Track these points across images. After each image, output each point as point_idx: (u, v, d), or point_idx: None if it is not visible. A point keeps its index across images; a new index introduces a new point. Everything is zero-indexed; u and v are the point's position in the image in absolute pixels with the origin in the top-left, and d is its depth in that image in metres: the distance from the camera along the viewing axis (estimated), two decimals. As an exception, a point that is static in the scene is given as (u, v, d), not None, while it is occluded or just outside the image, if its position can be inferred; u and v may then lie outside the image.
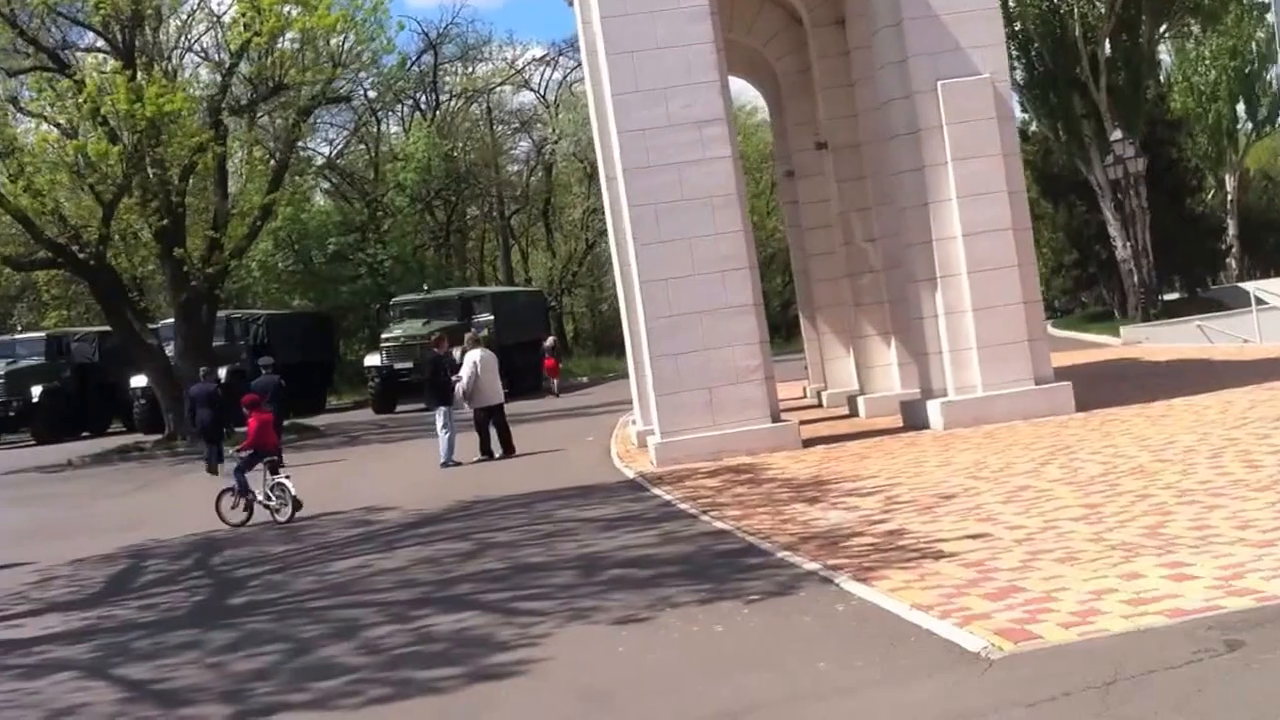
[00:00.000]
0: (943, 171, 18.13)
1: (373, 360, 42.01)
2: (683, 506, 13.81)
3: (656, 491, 15.36)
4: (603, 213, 56.23)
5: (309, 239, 47.15)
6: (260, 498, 17.14)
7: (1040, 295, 18.88)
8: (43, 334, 44.27)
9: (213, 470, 24.06)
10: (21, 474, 30.74)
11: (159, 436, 34.12)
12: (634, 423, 22.89)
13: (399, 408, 41.77)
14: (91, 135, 31.45)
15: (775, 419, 18.15)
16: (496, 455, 21.87)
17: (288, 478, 17.33)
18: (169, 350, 34.46)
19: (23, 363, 42.48)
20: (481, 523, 14.80)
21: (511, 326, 43.70)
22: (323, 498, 19.14)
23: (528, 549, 12.44)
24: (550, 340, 45.91)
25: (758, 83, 29.65)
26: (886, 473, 14.34)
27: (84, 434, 43.02)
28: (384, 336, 42.14)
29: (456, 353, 27.47)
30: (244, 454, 17.32)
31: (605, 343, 61.17)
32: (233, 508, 17.15)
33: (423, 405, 40.43)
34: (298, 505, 16.97)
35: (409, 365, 40.70)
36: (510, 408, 34.13)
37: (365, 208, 50.99)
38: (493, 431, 22.15)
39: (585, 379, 48.58)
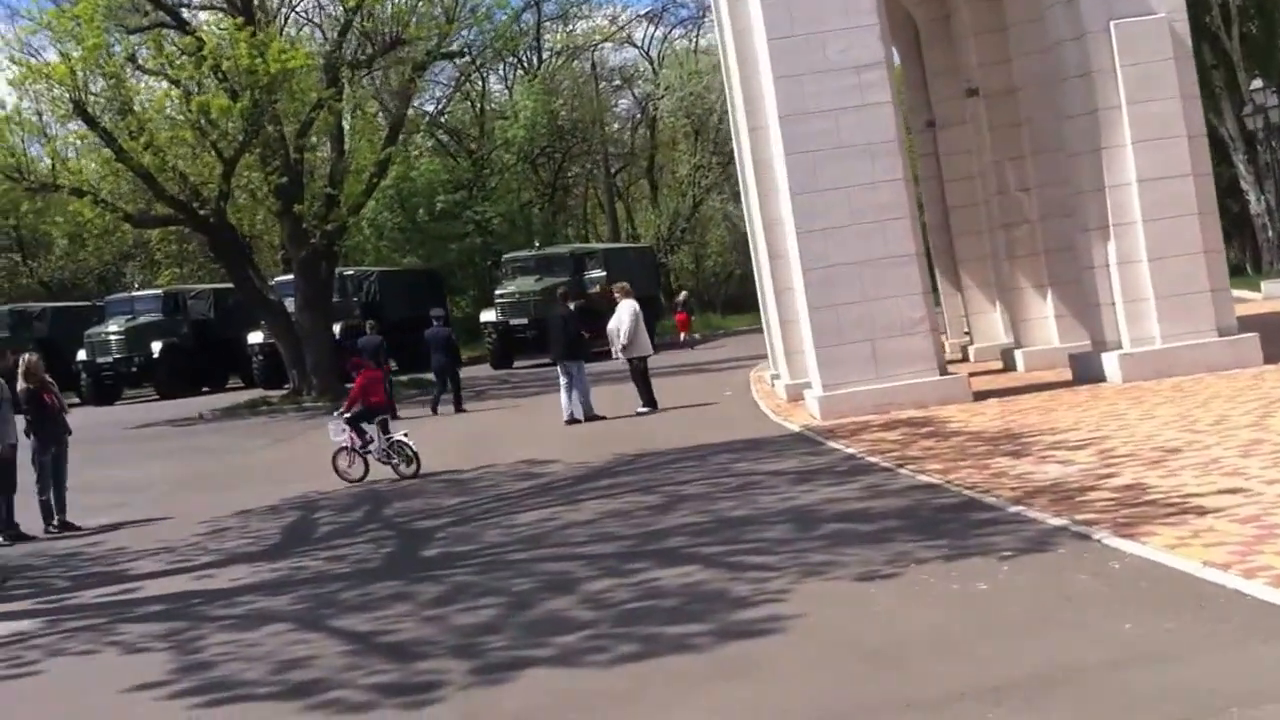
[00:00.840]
0: (1116, 115, 17.36)
1: (488, 316, 41.81)
2: (872, 460, 13.29)
3: (833, 445, 14.86)
4: (708, 169, 56.11)
5: (417, 196, 46.95)
6: (377, 454, 16.89)
7: (1222, 245, 18.02)
8: (159, 291, 44.53)
9: (437, 411, 26.03)
10: (153, 428, 30.83)
11: (284, 391, 34.11)
12: (776, 378, 22.37)
13: (516, 363, 41.54)
14: (210, 93, 31.29)
15: (942, 371, 17.55)
16: (644, 409, 21.23)
17: (405, 434, 17.16)
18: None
19: (141, 319, 42.78)
20: (658, 475, 14.38)
21: (625, 282, 43.11)
22: (473, 451, 18.92)
23: (723, 502, 12.00)
24: (684, 295, 45.55)
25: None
26: (1085, 426, 13.72)
27: (204, 389, 43.28)
28: (498, 293, 41.88)
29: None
30: (347, 414, 17.03)
31: (707, 300, 60.65)
32: (350, 465, 16.96)
33: (544, 360, 40.56)
34: (418, 461, 16.78)
35: (524, 321, 40.51)
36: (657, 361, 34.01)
37: (471, 165, 50.65)
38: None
39: (697, 335, 48.01)
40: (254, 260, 34.67)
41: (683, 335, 41.63)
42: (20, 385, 15.42)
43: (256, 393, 37.51)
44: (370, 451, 16.99)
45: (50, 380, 16.25)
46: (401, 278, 46.17)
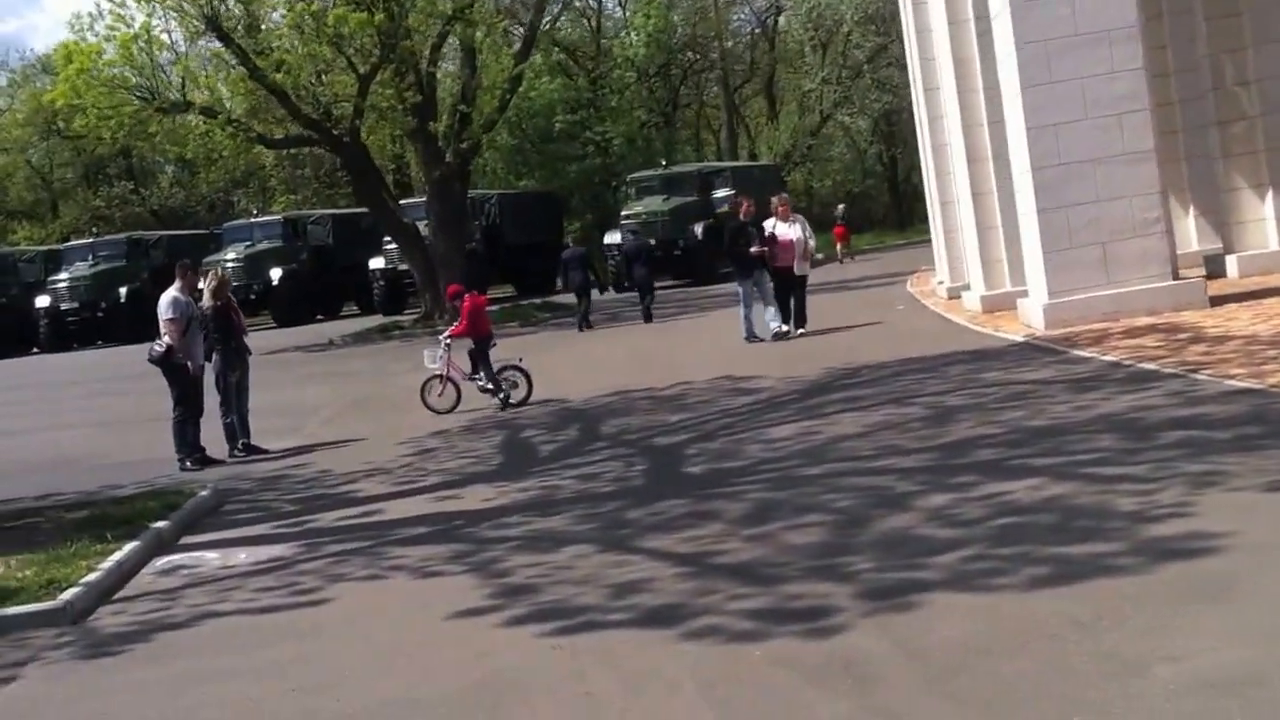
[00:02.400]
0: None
1: (612, 238, 40.64)
2: (1149, 367, 12.10)
3: (1082, 353, 13.68)
4: (835, 84, 54.43)
5: (536, 117, 45.82)
6: (483, 382, 16.10)
7: None
8: (279, 217, 43.88)
9: (584, 329, 26.30)
10: (284, 354, 30.16)
11: (416, 315, 33.29)
12: (968, 288, 21.16)
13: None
14: (342, 8, 30.26)
15: (1175, 275, 16.27)
16: (790, 330, 19.66)
17: (521, 359, 16.45)
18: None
19: (260, 246, 42.19)
20: (898, 388, 13.31)
21: (754, 202, 41.90)
22: (649, 369, 17.97)
23: (1007, 412, 10.92)
24: (842, 208, 44.27)
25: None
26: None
27: (318, 317, 42.70)
28: (624, 214, 40.71)
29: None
30: (448, 340, 16.21)
31: (822, 220, 59.02)
32: (440, 394, 16.07)
33: (669, 283, 39.53)
34: (531, 387, 16.07)
35: (652, 242, 39.31)
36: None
37: (590, 85, 49.37)
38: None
39: (820, 256, 46.47)
40: (386, 182, 33.72)
41: (840, 249, 40.18)
42: (207, 302, 14.57)
43: (381, 318, 36.84)
44: (478, 379, 16.12)
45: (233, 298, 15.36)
46: (521, 200, 45.22)
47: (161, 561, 9.43)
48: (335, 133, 31.32)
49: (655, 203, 40.44)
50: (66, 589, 8.33)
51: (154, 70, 30.37)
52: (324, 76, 32.34)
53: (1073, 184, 15.88)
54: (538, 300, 36.31)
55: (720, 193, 41.23)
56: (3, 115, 59.16)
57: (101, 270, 42.94)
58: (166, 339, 14.18)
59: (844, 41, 53.51)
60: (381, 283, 40.38)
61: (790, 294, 19.76)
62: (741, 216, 20.06)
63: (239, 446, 14.67)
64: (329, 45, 29.57)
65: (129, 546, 9.39)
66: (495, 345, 16.52)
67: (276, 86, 29.60)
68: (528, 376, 16.19)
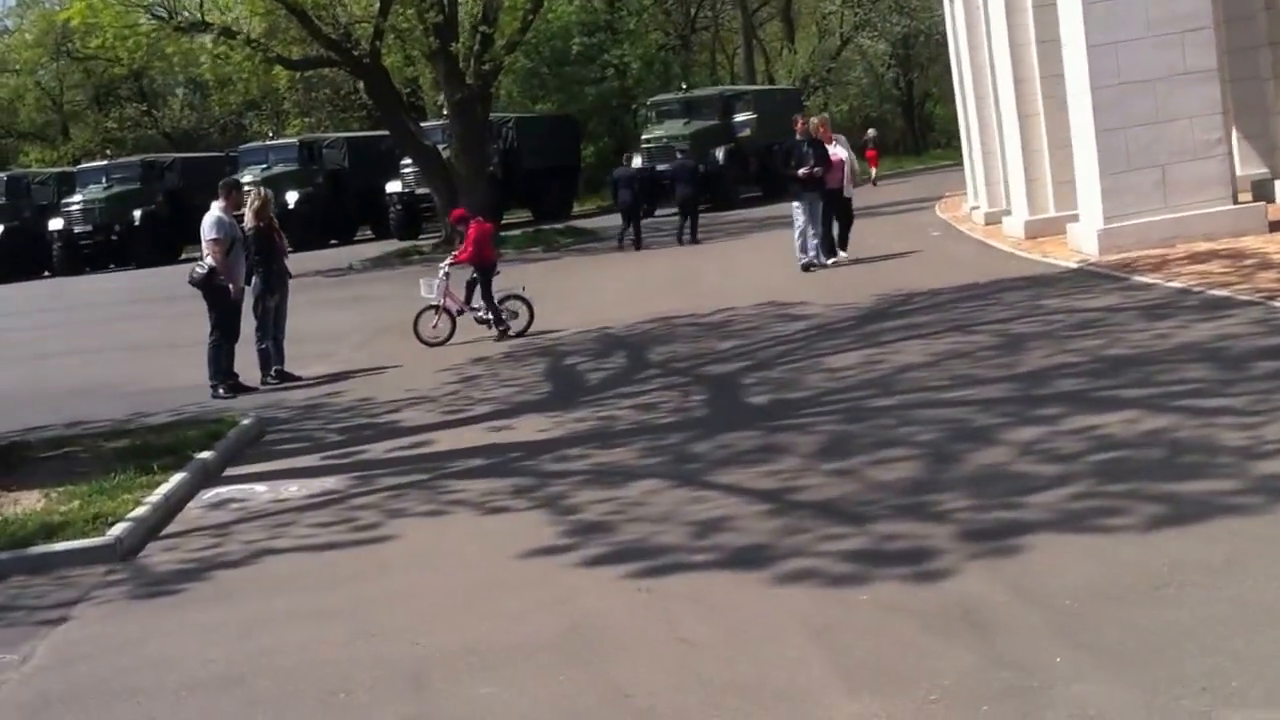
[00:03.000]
0: None
1: (634, 162, 39.91)
2: (1220, 294, 11.68)
3: (1145, 279, 13.25)
4: (856, 5, 53.41)
5: (554, 40, 45.02)
6: (481, 312, 15.74)
7: None
8: (295, 140, 43.25)
9: (623, 247, 26.58)
10: (304, 279, 29.51)
11: (435, 239, 32.79)
12: (1009, 214, 20.66)
13: (660, 211, 39.78)
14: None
15: (1235, 200, 15.77)
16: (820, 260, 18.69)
17: (523, 288, 16.03)
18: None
19: (276, 169, 41.52)
20: (958, 315, 12.89)
21: (772, 126, 41.31)
22: (689, 295, 17.63)
23: (1081, 340, 10.52)
24: (872, 132, 43.58)
25: None
26: None
27: (332, 241, 42.20)
28: (644, 138, 40.05)
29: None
30: (448, 268, 15.75)
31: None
32: (434, 326, 15.62)
33: (675, 210, 38.90)
34: (532, 316, 15.74)
35: (666, 168, 38.67)
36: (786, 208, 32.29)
37: (607, 7, 48.47)
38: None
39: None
40: (406, 105, 33.10)
41: (874, 172, 39.41)
42: (249, 223, 14.12)
43: (398, 243, 36.35)
44: (476, 310, 15.75)
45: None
46: (538, 124, 44.50)
47: (209, 494, 9.08)
48: (355, 54, 30.68)
49: (676, 126, 39.76)
50: (114, 524, 7.99)
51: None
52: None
53: (1132, 104, 15.35)
54: (559, 225, 35.73)
55: (740, 116, 40.60)
56: (12, 36, 58.32)
57: (116, 193, 42.43)
58: (209, 260, 13.71)
59: (866, -38, 52.64)
60: (398, 207, 39.88)
61: (838, 216, 19.09)
62: (798, 135, 18.88)
63: (272, 373, 14.30)
64: (351, -39, 28.89)
65: (175, 478, 9.04)
66: (499, 274, 16.01)
67: (296, 6, 28.96)
68: (529, 305, 15.83)
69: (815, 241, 18.43)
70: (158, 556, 7.67)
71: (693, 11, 54.86)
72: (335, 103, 51.09)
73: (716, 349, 12.82)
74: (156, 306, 26.84)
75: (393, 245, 35.91)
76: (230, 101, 44.18)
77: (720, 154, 38.96)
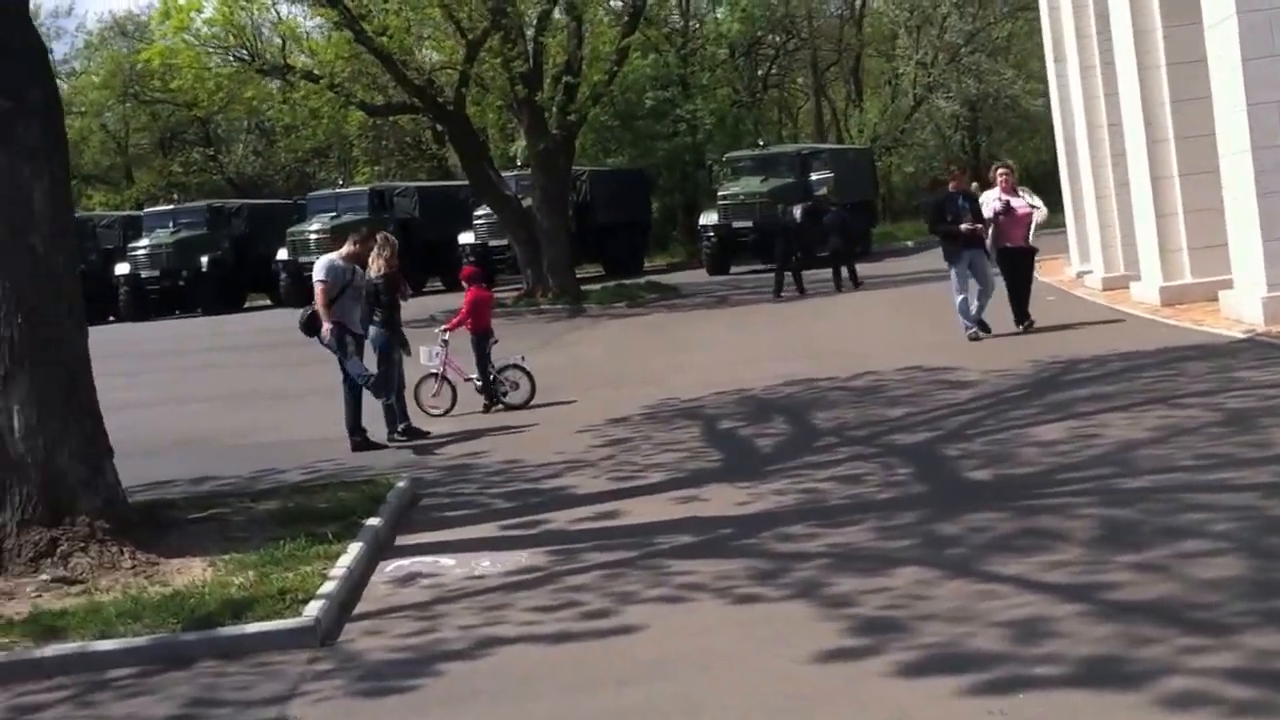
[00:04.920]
0: None
1: (709, 219, 39.22)
2: None
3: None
4: (930, 66, 52.74)
5: (628, 93, 44.42)
6: (480, 382, 14.90)
7: None
8: (365, 188, 42.72)
9: (782, 296, 26.58)
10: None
11: (518, 291, 32.02)
12: (1135, 279, 19.70)
13: (733, 269, 39.05)
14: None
15: None
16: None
17: (523, 358, 15.27)
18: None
19: (345, 217, 40.83)
20: (1144, 385, 12.09)
21: (847, 185, 40.74)
22: (817, 357, 16.78)
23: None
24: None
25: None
26: None
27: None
28: (720, 194, 39.30)
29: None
30: (446, 334, 14.90)
31: (900, 209, 57.52)
32: (435, 395, 14.74)
33: (758, 266, 38.12)
34: (533, 388, 14.97)
35: (748, 224, 37.96)
36: (873, 268, 31.43)
37: (680, 62, 47.91)
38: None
39: (910, 243, 45.05)
40: (489, 154, 32.49)
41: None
42: (380, 270, 13.32)
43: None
44: (474, 379, 14.93)
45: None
46: (610, 178, 43.88)
47: (390, 567, 8.21)
48: (439, 101, 30.13)
49: (753, 183, 39.00)
50: (305, 601, 7.10)
51: (253, 31, 29.28)
52: (428, 42, 31.17)
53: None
54: (640, 280, 35.02)
55: (817, 174, 39.86)
56: (79, 77, 58.24)
57: (183, 238, 41.95)
58: (315, 304, 12.95)
59: (940, 24, 51.89)
60: (471, 258, 39.09)
61: (1021, 276, 16.93)
62: (951, 188, 17.35)
63: (400, 430, 13.45)
64: (439, 8, 28.32)
65: (353, 549, 8.17)
66: (496, 342, 15.12)
67: (382, 50, 28.38)
68: (530, 376, 15.04)
69: (979, 304, 16.73)
70: (363, 641, 6.79)
71: (762, 70, 54.27)
72: (405, 151, 50.65)
73: (888, 416, 11.92)
74: (233, 355, 26.23)
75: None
76: (298, 148, 43.69)
77: (797, 211, 38.09)
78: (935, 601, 6.37)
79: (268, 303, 42.81)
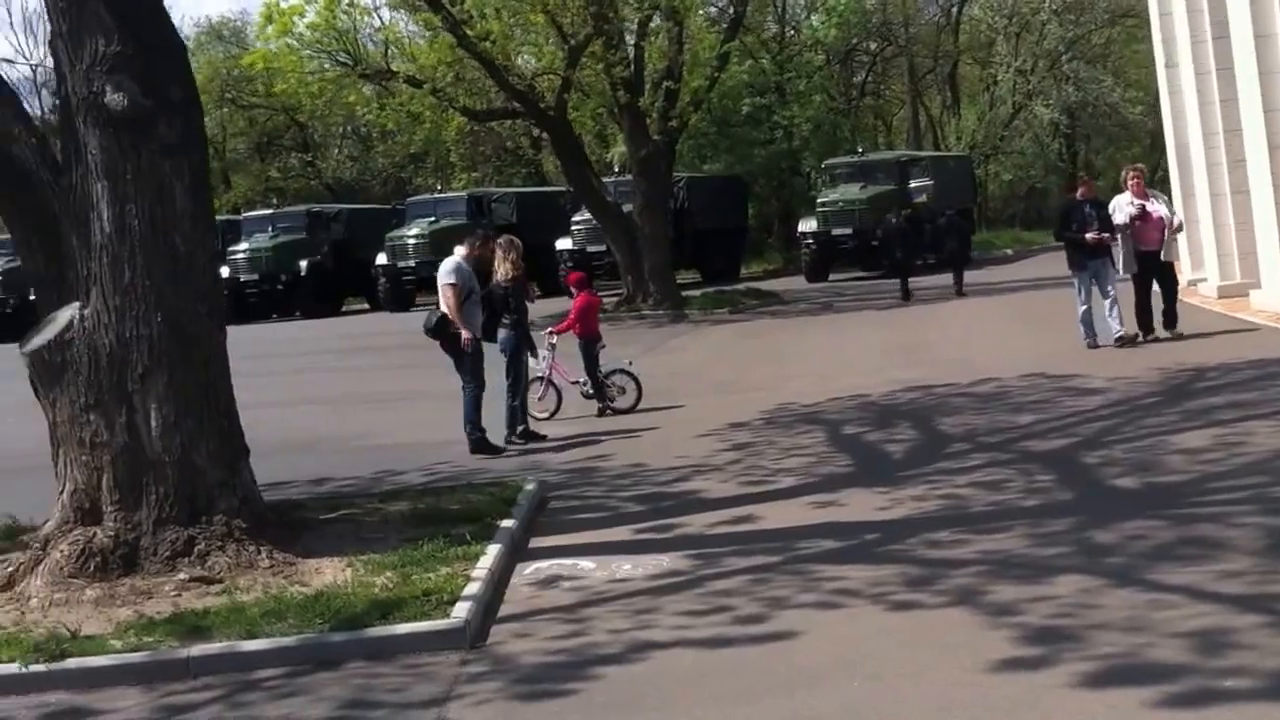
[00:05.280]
0: None
1: (808, 225, 38.86)
2: None
3: None
4: (1030, 74, 52.02)
5: (725, 100, 44.20)
6: (586, 386, 14.73)
7: None
8: (464, 194, 42.90)
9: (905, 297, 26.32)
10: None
11: (618, 296, 31.92)
12: (1256, 287, 19.17)
13: (832, 276, 38.68)
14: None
15: None
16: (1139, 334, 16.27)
17: (630, 362, 15.13)
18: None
19: (444, 223, 41.07)
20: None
21: (947, 192, 40.28)
22: (933, 364, 16.53)
23: None
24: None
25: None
26: None
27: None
28: (820, 201, 38.96)
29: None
30: (554, 338, 14.74)
31: (996, 217, 56.74)
32: (540, 398, 14.54)
33: (857, 273, 37.79)
34: (640, 392, 14.76)
35: (848, 231, 37.60)
36: (974, 275, 30.88)
37: (777, 68, 47.62)
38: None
39: (1010, 251, 44.46)
40: (589, 158, 32.46)
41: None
42: (506, 274, 13.25)
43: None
44: (581, 383, 14.76)
45: None
46: (708, 184, 43.67)
47: (528, 569, 8.10)
48: (540, 106, 30.14)
49: (852, 190, 38.61)
50: (451, 603, 7.02)
51: (355, 36, 29.49)
52: (527, 48, 31.24)
53: None
54: (740, 286, 34.83)
55: (916, 182, 39.44)
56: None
57: (282, 242, 42.29)
58: (443, 306, 12.87)
59: (1040, 31, 51.13)
60: (569, 264, 39.14)
61: (1155, 283, 16.33)
62: (1079, 195, 16.95)
63: (518, 433, 13.38)
64: (543, 14, 28.33)
65: (491, 550, 8.07)
66: (604, 346, 14.97)
67: (485, 56, 28.44)
68: (637, 381, 14.88)
69: (1108, 314, 16.07)
70: (513, 644, 6.68)
71: (858, 77, 53.84)
72: (501, 157, 50.84)
73: (1018, 423, 11.65)
74: (336, 358, 26.35)
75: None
76: (395, 154, 43.97)
77: (893, 219, 37.70)
78: (1105, 611, 6.16)
79: (365, 307, 43.12)
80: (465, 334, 12.79)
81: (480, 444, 12.78)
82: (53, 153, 8.86)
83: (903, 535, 8.02)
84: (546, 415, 14.54)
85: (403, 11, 31.22)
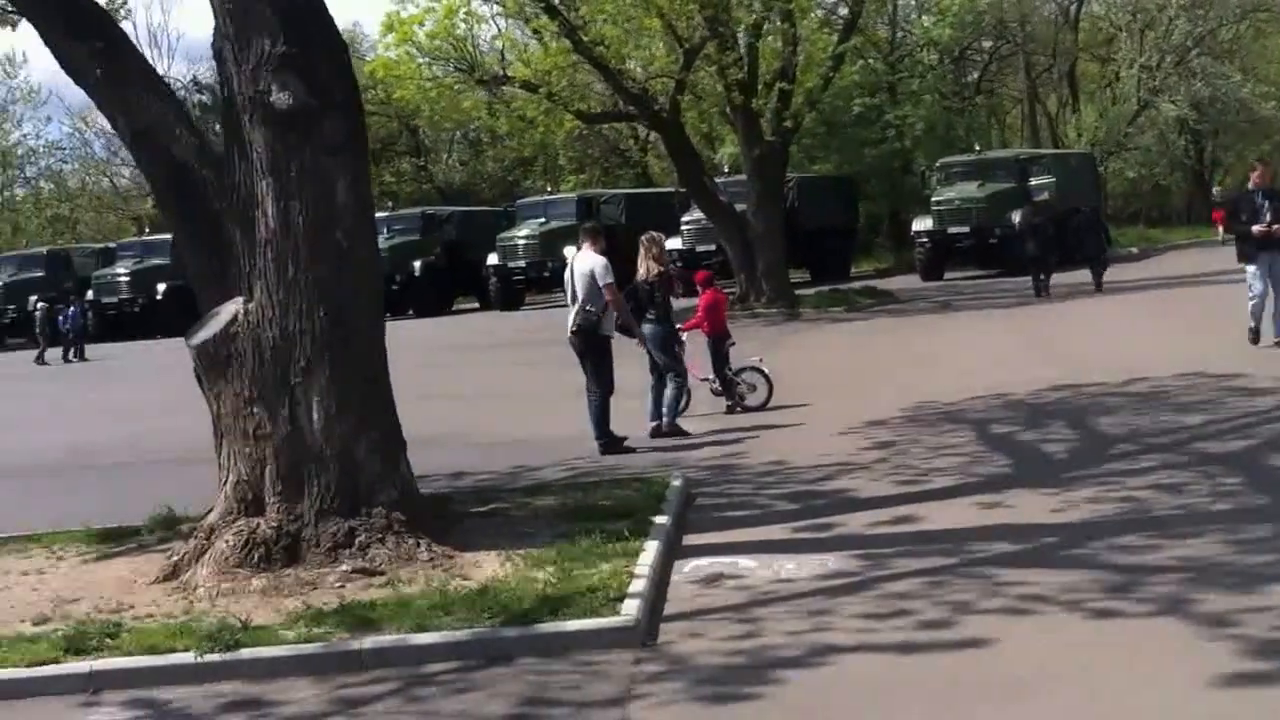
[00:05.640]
0: None
1: (923, 224, 38.29)
2: None
3: None
4: (1155, 70, 50.86)
5: (835, 99, 43.73)
6: (715, 384, 14.51)
7: None
8: (574, 195, 42.93)
9: (1042, 296, 26.23)
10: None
11: (732, 295, 31.61)
12: None
13: (948, 274, 38.09)
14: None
15: None
16: None
17: (761, 360, 14.81)
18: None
19: (553, 224, 41.20)
20: None
21: (1068, 190, 39.50)
22: (1072, 361, 16.06)
23: None
24: (1218, 190, 40.56)
25: None
26: None
27: (608, 297, 41.57)
28: (935, 200, 38.36)
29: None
30: (683, 335, 14.21)
31: (1117, 215, 55.45)
32: None
33: (973, 272, 37.13)
34: (770, 390, 14.49)
35: (964, 229, 36.97)
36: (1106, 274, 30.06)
37: (888, 68, 47.07)
38: None
39: (1134, 249, 43.42)
40: (703, 160, 32.26)
41: (1222, 233, 35.74)
42: (651, 269, 13.07)
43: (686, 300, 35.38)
44: (710, 380, 14.53)
45: None
46: (820, 184, 43.31)
47: (688, 567, 7.86)
48: (654, 108, 30.01)
49: (969, 189, 37.98)
50: (617, 599, 6.80)
51: (472, 44, 29.64)
52: (638, 51, 31.11)
53: None
54: (855, 285, 34.45)
55: (1037, 180, 38.70)
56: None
57: (396, 244, 42.50)
58: (606, 302, 12.60)
59: (1166, 26, 50.02)
60: (679, 264, 38.95)
61: None
62: (1251, 183, 16.21)
63: (662, 425, 13.18)
64: (659, 18, 28.18)
65: (650, 547, 7.84)
66: (734, 344, 14.66)
67: (601, 60, 28.37)
68: (768, 379, 14.58)
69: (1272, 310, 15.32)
70: (686, 644, 6.44)
71: (970, 76, 53.02)
72: (608, 159, 50.84)
73: (1186, 424, 11.20)
74: (455, 355, 26.39)
75: (686, 302, 34.71)
76: (504, 157, 44.08)
77: (1016, 218, 36.97)
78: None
79: (475, 306, 43.42)
80: (636, 336, 12.73)
81: (610, 446, 12.55)
82: (212, 151, 8.87)
83: (1083, 539, 7.67)
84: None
85: (518, 19, 31.22)
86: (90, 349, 35.86)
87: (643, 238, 13.58)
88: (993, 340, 20.00)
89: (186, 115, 9.35)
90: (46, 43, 9.03)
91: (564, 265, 36.51)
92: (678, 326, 14.84)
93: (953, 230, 37.33)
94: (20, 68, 58.74)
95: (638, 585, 7.02)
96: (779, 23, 30.79)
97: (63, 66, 9.13)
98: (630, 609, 6.63)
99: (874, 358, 19.70)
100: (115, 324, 42.13)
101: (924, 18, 48.31)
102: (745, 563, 7.82)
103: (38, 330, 35.84)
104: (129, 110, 8.84)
